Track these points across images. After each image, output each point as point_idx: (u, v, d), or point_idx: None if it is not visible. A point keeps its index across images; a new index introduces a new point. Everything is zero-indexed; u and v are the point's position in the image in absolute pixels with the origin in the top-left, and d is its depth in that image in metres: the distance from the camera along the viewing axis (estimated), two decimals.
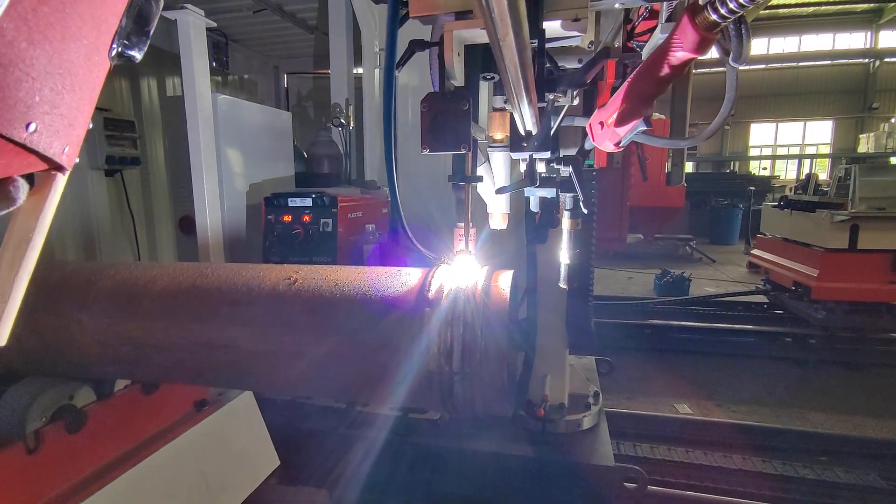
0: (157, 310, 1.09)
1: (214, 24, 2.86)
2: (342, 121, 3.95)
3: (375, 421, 2.38)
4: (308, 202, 2.79)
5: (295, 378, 1.10)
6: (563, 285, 1.26)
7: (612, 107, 0.77)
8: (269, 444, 1.90)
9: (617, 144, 0.79)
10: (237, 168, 3.21)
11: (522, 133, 0.95)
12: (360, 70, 4.10)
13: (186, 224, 3.39)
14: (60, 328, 1.13)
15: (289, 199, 2.82)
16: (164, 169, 5.23)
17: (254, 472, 1.79)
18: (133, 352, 1.13)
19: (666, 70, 0.65)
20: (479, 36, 0.87)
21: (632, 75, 0.72)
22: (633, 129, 0.74)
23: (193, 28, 2.62)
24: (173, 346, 1.11)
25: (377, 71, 3.99)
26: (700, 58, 0.77)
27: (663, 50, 0.65)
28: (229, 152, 3.11)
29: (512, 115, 0.93)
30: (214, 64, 5.71)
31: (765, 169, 17.67)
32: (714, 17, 0.59)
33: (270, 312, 1.05)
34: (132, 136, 3.72)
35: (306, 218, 2.80)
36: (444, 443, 2.28)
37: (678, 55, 0.63)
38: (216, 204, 2.90)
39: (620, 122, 0.74)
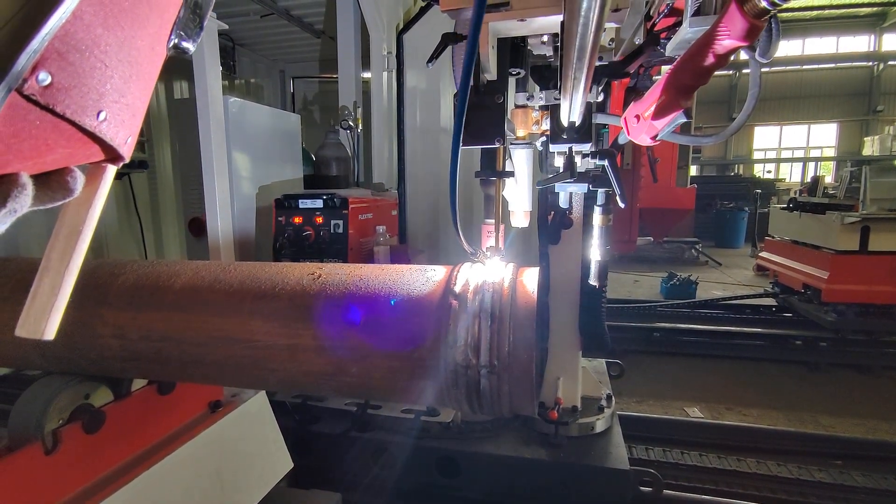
0: (179, 304, 1.08)
1: (226, 27, 2.88)
2: (350, 123, 3.96)
3: (387, 424, 2.36)
4: (319, 203, 2.79)
5: (316, 374, 1.09)
6: (593, 282, 1.25)
7: (650, 99, 0.76)
8: (282, 446, 1.89)
9: (653, 138, 0.78)
10: (247, 170, 3.22)
11: (565, 124, 0.94)
12: (368, 74, 4.11)
13: (196, 226, 3.40)
14: (81, 322, 1.12)
15: (300, 201, 2.82)
16: (172, 171, 5.26)
17: (268, 473, 1.78)
18: (153, 347, 1.12)
19: (710, 59, 0.64)
20: (513, 28, 0.86)
21: (671, 67, 0.71)
22: (671, 122, 0.73)
23: (206, 30, 2.62)
24: (193, 341, 1.10)
25: (385, 74, 4.00)
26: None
27: (707, 39, 0.64)
28: (239, 155, 3.12)
29: (552, 107, 0.92)
30: (221, 68, 5.75)
31: (769, 172, 17.63)
32: (764, 3, 0.58)
33: (294, 305, 1.04)
34: (139, 139, 3.73)
35: (317, 219, 2.79)
36: (457, 446, 2.27)
37: (724, 43, 0.62)
38: (227, 206, 2.90)
39: (659, 114, 0.73)
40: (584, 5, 0.51)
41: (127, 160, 0.41)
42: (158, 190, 5.19)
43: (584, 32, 0.54)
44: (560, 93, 0.76)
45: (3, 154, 0.30)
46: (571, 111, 0.82)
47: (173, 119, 5.08)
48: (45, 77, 0.29)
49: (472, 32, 0.51)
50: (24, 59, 0.28)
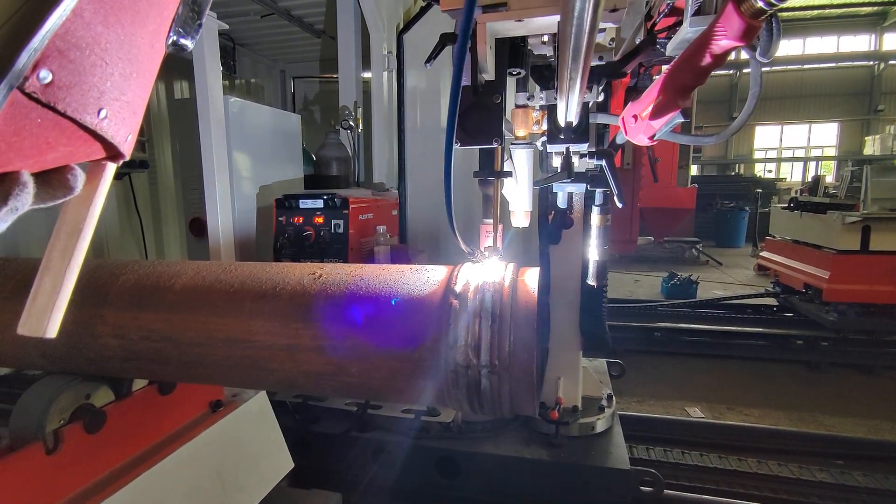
0: (179, 304, 1.09)
1: (227, 27, 2.88)
2: (350, 123, 3.96)
3: (387, 424, 2.36)
4: (319, 203, 2.79)
5: (316, 374, 1.09)
6: (591, 282, 1.25)
7: (647, 99, 0.76)
8: (283, 445, 1.89)
9: (651, 138, 0.78)
10: (247, 170, 3.22)
11: (562, 125, 0.94)
12: (368, 74, 4.11)
13: (197, 226, 3.40)
14: (82, 322, 1.12)
15: (300, 201, 2.82)
16: (172, 171, 5.27)
17: (269, 473, 1.78)
18: (153, 347, 1.13)
19: (707, 59, 0.64)
20: (511, 28, 0.86)
21: (669, 67, 0.71)
22: (668, 122, 0.73)
23: (206, 30, 2.64)
24: (193, 341, 1.10)
25: (385, 74, 4.00)
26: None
27: (704, 39, 0.64)
28: (240, 155, 3.12)
29: (549, 107, 0.92)
30: (222, 68, 5.76)
31: (770, 172, 17.62)
32: (761, 3, 0.58)
33: (294, 305, 1.04)
34: (140, 139, 3.73)
35: (318, 219, 2.79)
36: (457, 446, 2.27)
37: (721, 43, 0.62)
38: (227, 206, 2.90)
39: (656, 114, 0.73)
40: (578, 6, 0.51)
41: (127, 158, 0.41)
42: (159, 190, 5.19)
43: (579, 33, 0.54)
44: (557, 93, 0.76)
45: (4, 152, 0.30)
46: (568, 111, 0.82)
47: (173, 119, 5.08)
48: (46, 75, 0.30)
49: (462, 33, 0.51)
50: (25, 58, 0.28)
